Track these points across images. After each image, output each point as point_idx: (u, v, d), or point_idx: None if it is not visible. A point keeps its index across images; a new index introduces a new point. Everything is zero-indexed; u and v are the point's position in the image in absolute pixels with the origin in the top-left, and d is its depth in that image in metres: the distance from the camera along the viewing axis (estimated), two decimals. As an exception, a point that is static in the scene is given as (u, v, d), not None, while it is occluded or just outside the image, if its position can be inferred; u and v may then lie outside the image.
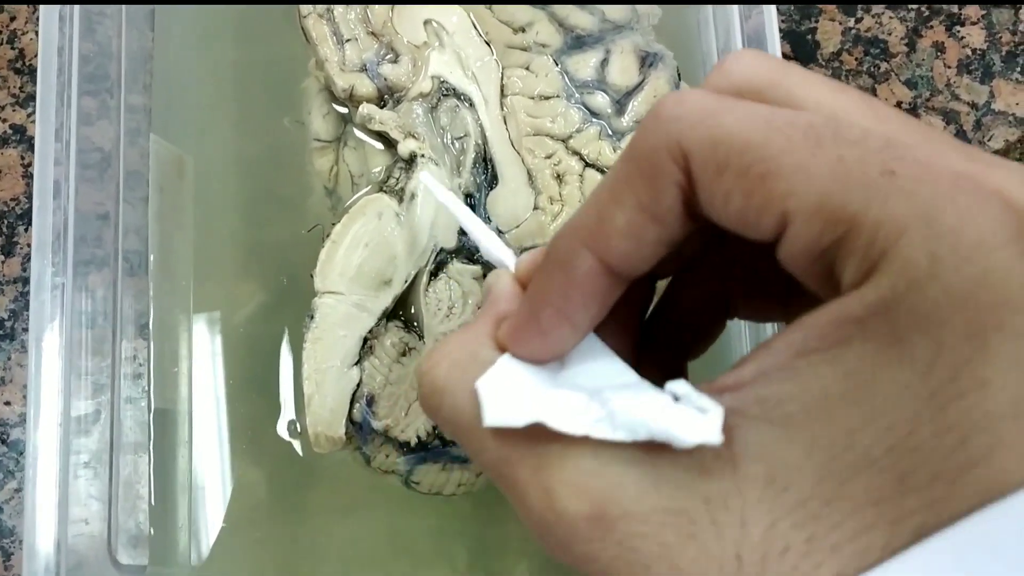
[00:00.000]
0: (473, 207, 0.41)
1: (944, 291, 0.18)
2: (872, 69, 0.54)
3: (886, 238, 0.19)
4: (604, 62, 0.42)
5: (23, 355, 0.51)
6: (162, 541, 0.44)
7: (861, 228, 0.19)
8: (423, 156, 0.40)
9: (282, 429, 0.43)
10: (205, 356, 0.45)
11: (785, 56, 0.53)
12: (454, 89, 0.42)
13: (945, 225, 0.18)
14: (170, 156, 0.47)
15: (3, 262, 0.52)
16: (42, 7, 0.42)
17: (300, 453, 0.44)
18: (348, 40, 0.42)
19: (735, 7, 0.42)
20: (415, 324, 0.40)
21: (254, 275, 0.46)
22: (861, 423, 0.19)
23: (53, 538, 0.38)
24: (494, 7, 0.43)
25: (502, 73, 0.42)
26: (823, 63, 0.54)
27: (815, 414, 0.20)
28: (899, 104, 0.53)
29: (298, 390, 0.43)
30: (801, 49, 0.54)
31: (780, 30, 0.52)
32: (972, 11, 0.55)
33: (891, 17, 0.55)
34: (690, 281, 0.29)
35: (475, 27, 0.43)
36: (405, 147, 0.40)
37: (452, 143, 0.41)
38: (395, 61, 0.42)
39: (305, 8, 0.42)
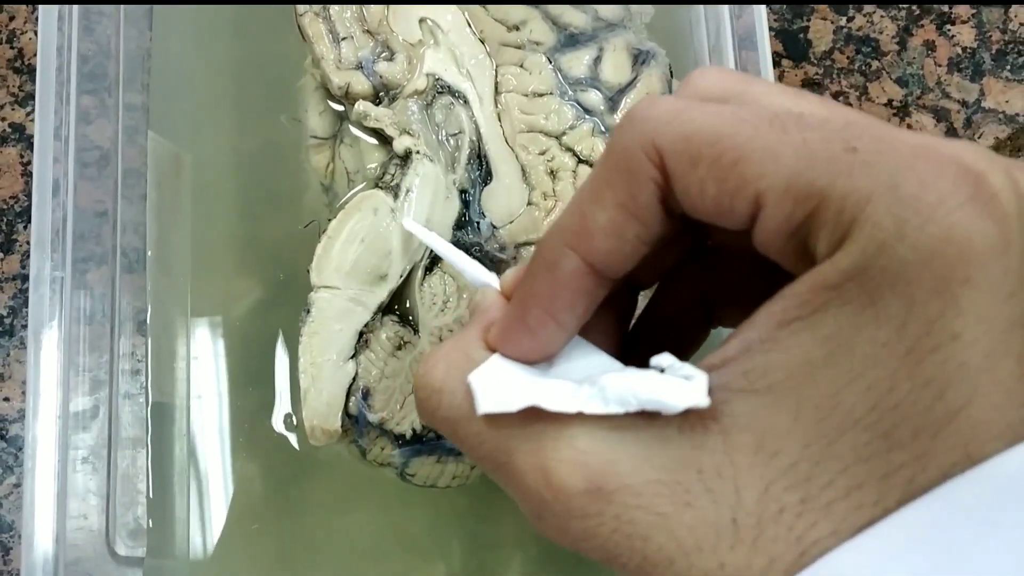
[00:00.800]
0: (467, 203, 0.41)
1: (911, 250, 0.19)
2: (863, 67, 0.55)
3: (854, 207, 0.20)
4: (597, 60, 0.43)
5: (22, 351, 0.51)
6: (160, 534, 0.44)
7: (830, 201, 0.20)
8: (418, 152, 0.40)
9: (279, 423, 0.44)
10: (203, 351, 0.46)
11: (777, 55, 0.54)
12: (449, 86, 0.42)
13: (907, 190, 0.19)
14: (168, 153, 0.47)
15: (2, 259, 0.52)
16: (41, 7, 0.43)
17: (296, 447, 0.44)
18: (344, 38, 0.42)
19: (725, 6, 0.43)
20: (410, 318, 0.41)
21: (251, 271, 0.47)
22: (843, 384, 0.20)
23: (52, 532, 0.39)
24: (488, 5, 0.43)
25: (496, 71, 0.43)
26: (815, 61, 0.55)
27: (799, 380, 0.20)
28: (890, 102, 0.54)
29: (294, 384, 0.43)
30: (793, 48, 0.55)
31: (772, 29, 0.53)
32: (963, 10, 0.55)
33: (882, 16, 0.55)
34: (672, 291, 0.30)
35: (469, 25, 0.43)
36: (400, 144, 0.40)
37: (447, 140, 0.42)
38: (390, 59, 0.42)
39: (301, 7, 0.42)
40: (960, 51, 0.55)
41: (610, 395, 0.21)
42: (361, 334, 0.40)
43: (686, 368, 0.21)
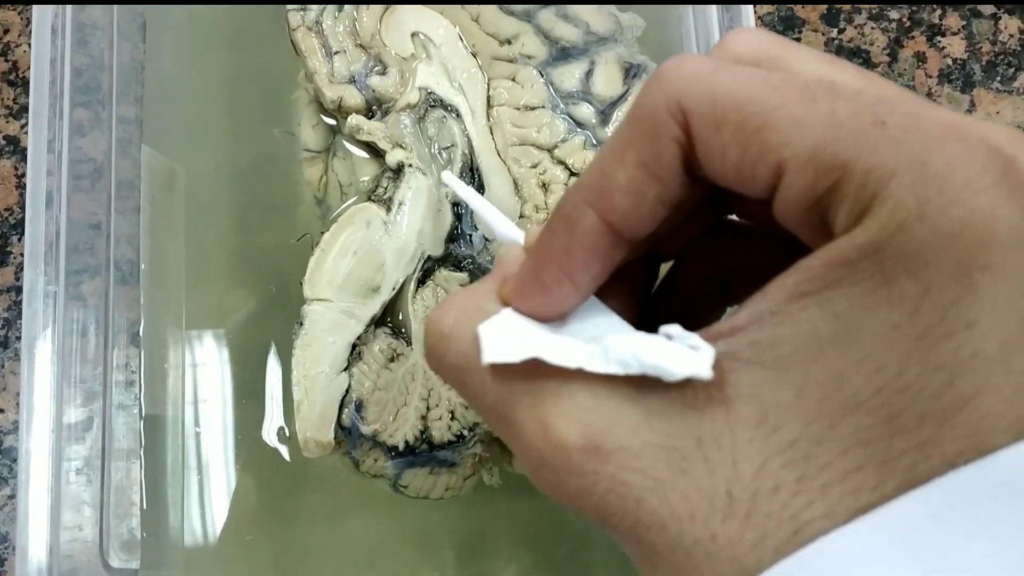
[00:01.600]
0: (460, 216, 0.41)
1: (932, 232, 0.19)
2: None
3: (876, 182, 0.19)
4: (589, 73, 0.43)
5: (16, 363, 0.51)
6: (154, 546, 0.44)
7: (852, 174, 0.20)
8: (410, 166, 0.40)
9: (271, 435, 0.44)
10: (196, 363, 0.46)
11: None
12: (441, 100, 0.42)
13: (933, 169, 0.19)
14: (161, 167, 0.47)
15: (-4, 271, 0.53)
16: (35, 19, 0.43)
17: (289, 459, 0.44)
18: (337, 52, 0.42)
19: (714, 18, 0.43)
20: (403, 331, 0.41)
21: (244, 283, 0.47)
22: (851, 364, 0.20)
23: (46, 543, 0.39)
24: (480, 19, 0.44)
25: (488, 84, 0.43)
26: (806, 73, 0.55)
27: (806, 356, 0.20)
28: (881, 113, 0.54)
29: (287, 396, 0.43)
30: (784, 59, 0.55)
31: (763, 41, 0.53)
32: (953, 21, 0.56)
33: (873, 27, 0.56)
34: (690, 265, 0.29)
35: (461, 39, 0.44)
36: (393, 157, 0.41)
37: (439, 153, 0.42)
38: (383, 73, 0.43)
39: (294, 21, 0.43)
40: (950, 62, 0.55)
41: (612, 355, 0.21)
42: (354, 346, 0.40)
43: (693, 338, 0.21)
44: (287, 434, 0.44)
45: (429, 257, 0.41)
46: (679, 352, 0.21)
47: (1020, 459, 0.18)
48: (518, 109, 0.42)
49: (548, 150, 0.42)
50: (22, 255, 0.52)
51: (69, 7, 0.43)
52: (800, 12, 0.56)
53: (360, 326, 0.40)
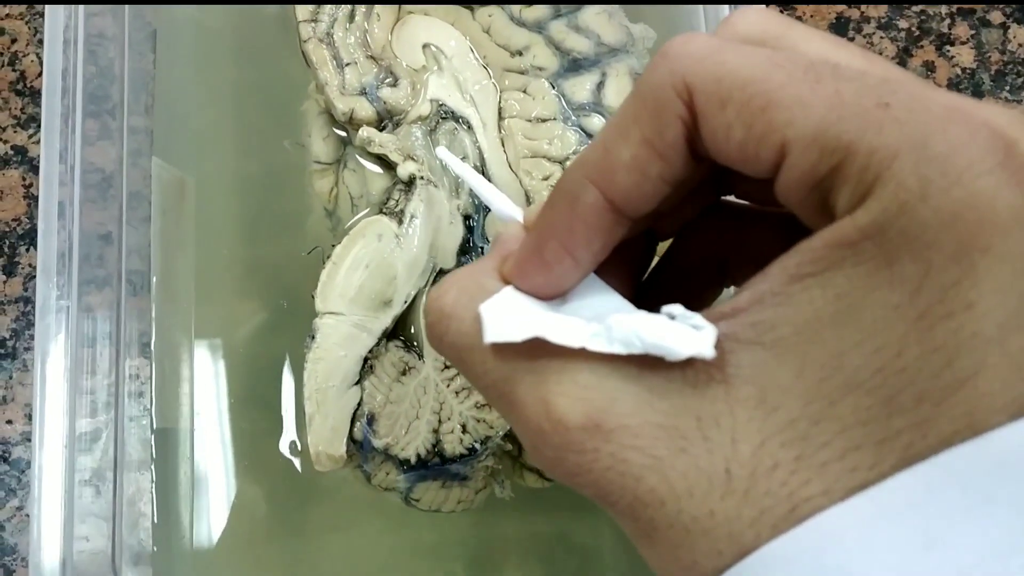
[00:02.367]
0: (471, 228, 0.41)
1: (934, 213, 0.19)
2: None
3: (879, 164, 0.19)
4: (600, 85, 0.43)
5: (25, 374, 0.51)
6: (165, 558, 0.44)
7: (856, 155, 0.20)
8: (422, 178, 0.40)
9: (283, 447, 0.44)
10: (207, 375, 0.46)
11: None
12: (452, 112, 0.42)
13: (936, 151, 0.19)
14: (172, 179, 0.47)
15: (4, 282, 0.52)
16: (47, 29, 0.43)
17: (300, 470, 0.44)
18: (348, 64, 0.42)
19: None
20: (415, 344, 0.41)
21: (255, 294, 0.47)
22: (851, 345, 0.20)
23: (58, 555, 0.39)
24: (491, 31, 0.44)
25: (500, 96, 0.43)
26: (815, 82, 0.55)
27: (806, 336, 0.20)
28: (890, 123, 0.54)
29: (299, 408, 0.43)
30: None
31: (773, 50, 0.53)
32: (962, 31, 0.56)
33: (882, 37, 0.56)
34: (689, 244, 0.29)
35: (473, 51, 0.44)
36: (404, 169, 0.41)
37: (450, 165, 0.42)
38: (394, 85, 0.42)
39: (305, 32, 0.43)
40: (960, 72, 0.55)
41: (615, 334, 0.21)
42: (366, 360, 0.40)
43: (696, 318, 0.21)
44: (299, 447, 0.44)
45: (441, 270, 0.41)
46: (682, 332, 0.21)
47: (1016, 437, 0.19)
48: (529, 121, 0.42)
49: (560, 162, 0.42)
50: (30, 266, 0.53)
51: (81, 16, 0.43)
52: (809, 21, 0.56)
53: (372, 339, 0.40)
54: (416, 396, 0.40)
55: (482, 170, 0.42)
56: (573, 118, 0.42)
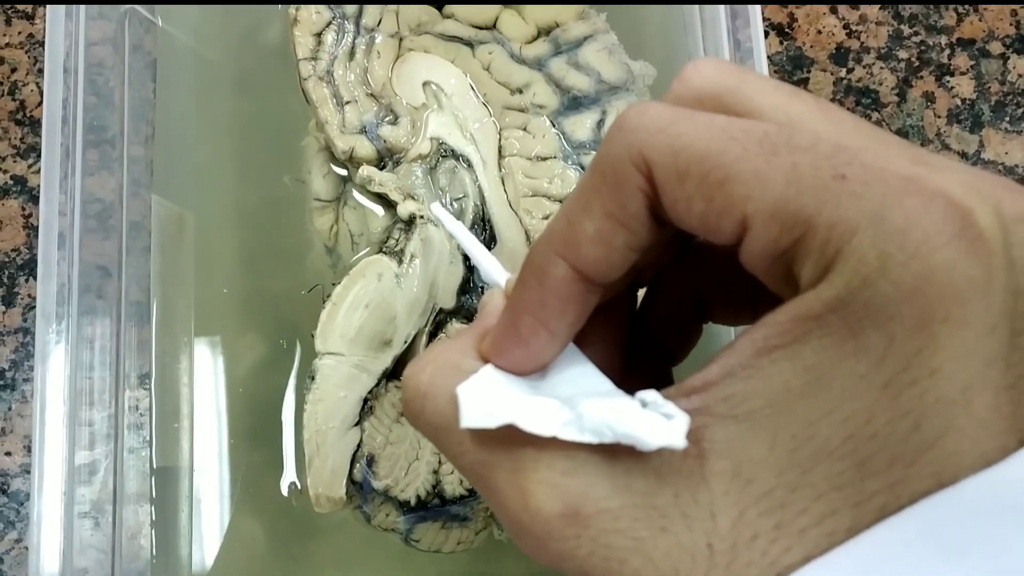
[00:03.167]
0: (472, 268, 0.41)
1: (894, 286, 0.19)
2: (863, 119, 0.55)
3: (839, 238, 0.20)
4: (600, 123, 0.43)
5: (24, 405, 0.51)
6: (163, 595, 0.44)
7: (816, 230, 0.20)
8: (422, 217, 0.40)
9: (283, 487, 0.44)
10: (206, 410, 0.46)
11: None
12: (452, 150, 0.42)
13: (893, 225, 0.19)
14: (171, 215, 0.47)
15: (4, 312, 0.52)
16: (47, 58, 0.43)
17: (298, 507, 0.44)
18: (348, 102, 0.42)
19: (727, 60, 0.43)
20: (414, 384, 0.41)
21: (255, 329, 0.47)
22: (821, 414, 0.20)
23: (58, 590, 0.39)
24: (491, 68, 0.44)
25: (500, 134, 0.43)
26: (815, 113, 0.55)
27: (777, 408, 0.21)
28: (890, 154, 0.54)
29: (299, 446, 0.43)
30: (793, 99, 0.55)
31: (772, 81, 0.53)
32: (961, 61, 0.56)
33: (882, 67, 0.56)
34: (664, 288, 0.30)
35: (473, 89, 0.44)
36: (404, 209, 0.41)
37: (451, 204, 0.42)
38: (394, 123, 0.42)
39: (305, 70, 0.43)
40: (959, 103, 0.55)
41: (586, 423, 0.21)
42: (366, 401, 0.40)
43: (668, 407, 0.21)
44: (298, 487, 0.44)
45: (441, 310, 0.41)
46: (653, 421, 0.21)
47: (984, 486, 0.19)
48: (530, 159, 0.42)
49: (560, 201, 0.42)
50: (29, 296, 0.52)
51: (81, 45, 0.43)
52: (809, 52, 0.56)
53: (372, 380, 0.40)
54: (416, 437, 0.40)
55: (482, 209, 0.42)
56: (573, 156, 0.42)
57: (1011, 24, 0.56)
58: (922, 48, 0.56)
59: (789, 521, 0.20)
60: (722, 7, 0.42)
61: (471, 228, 0.41)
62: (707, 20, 0.44)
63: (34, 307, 0.52)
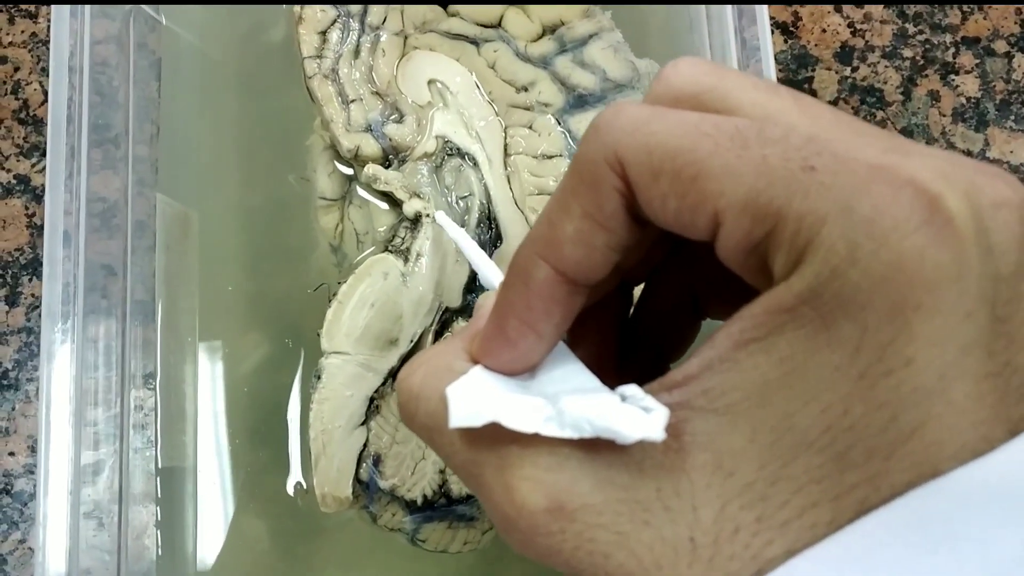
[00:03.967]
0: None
1: (864, 276, 0.19)
2: (868, 118, 0.55)
3: (809, 229, 0.20)
4: (606, 121, 0.43)
5: (27, 405, 0.51)
6: (169, 594, 0.44)
7: (786, 221, 0.20)
8: (428, 216, 0.40)
9: (289, 487, 0.44)
10: (211, 410, 0.46)
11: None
12: (458, 149, 0.42)
13: (861, 214, 0.19)
14: (176, 214, 0.47)
15: (8, 312, 0.52)
16: (52, 57, 0.43)
17: (304, 507, 0.44)
18: (353, 101, 0.42)
19: (734, 62, 0.43)
20: (421, 383, 0.41)
21: (259, 328, 0.46)
22: (798, 406, 0.20)
23: (63, 591, 0.39)
24: (496, 66, 0.43)
25: (505, 132, 0.43)
26: (820, 112, 0.55)
27: (755, 401, 0.21)
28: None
29: (304, 446, 0.43)
30: (798, 98, 0.55)
31: (778, 79, 0.53)
32: (966, 60, 0.56)
33: (887, 66, 0.56)
34: (659, 285, 0.30)
35: (478, 87, 0.44)
36: (410, 207, 0.40)
37: (456, 202, 0.42)
38: (400, 121, 0.42)
39: (310, 68, 0.43)
40: (964, 101, 0.55)
41: (567, 419, 0.22)
42: (372, 400, 0.40)
43: (648, 400, 0.22)
44: (304, 487, 0.43)
45: (447, 308, 0.41)
46: (632, 415, 0.21)
47: (972, 478, 0.19)
48: (536, 158, 0.42)
49: (566, 199, 0.42)
50: (33, 296, 0.52)
51: (86, 44, 0.43)
52: (813, 51, 0.56)
53: (378, 379, 0.40)
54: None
55: (488, 207, 0.42)
56: (579, 155, 0.42)
57: (1016, 23, 0.56)
58: (927, 47, 0.56)
59: (770, 514, 0.20)
60: (728, 6, 0.42)
61: (477, 226, 0.41)
62: (713, 18, 0.44)
63: (37, 306, 0.52)
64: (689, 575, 0.20)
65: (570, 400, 0.22)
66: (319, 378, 0.39)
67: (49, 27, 0.44)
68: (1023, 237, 0.20)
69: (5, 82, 0.55)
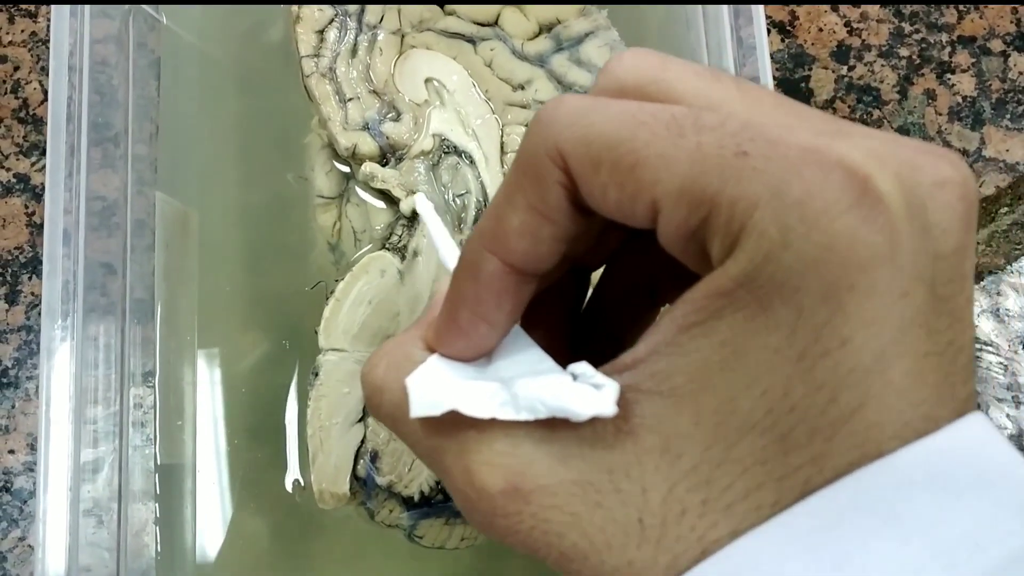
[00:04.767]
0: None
1: (797, 258, 0.19)
2: (865, 117, 0.55)
3: (742, 214, 0.20)
4: (602, 119, 0.43)
5: (27, 403, 0.51)
6: (168, 591, 0.44)
7: (720, 207, 0.20)
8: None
9: (287, 484, 0.44)
10: (210, 408, 0.46)
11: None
12: (455, 147, 0.42)
13: (792, 197, 0.19)
14: (175, 213, 0.47)
15: (7, 310, 0.52)
16: (52, 56, 0.43)
17: (302, 503, 0.44)
18: (350, 99, 0.42)
19: (730, 63, 0.43)
20: (418, 380, 0.41)
21: (258, 326, 0.47)
22: (740, 389, 0.20)
23: (63, 587, 0.39)
24: (493, 65, 0.44)
25: (502, 130, 0.43)
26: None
27: (699, 384, 0.21)
28: (891, 151, 0.54)
29: (302, 443, 0.43)
30: (794, 97, 0.55)
31: (774, 78, 0.54)
32: (963, 59, 0.56)
33: (883, 65, 0.56)
34: (616, 272, 0.30)
35: (475, 85, 0.44)
36: (407, 205, 0.41)
37: (453, 200, 0.42)
38: (397, 119, 0.43)
39: (308, 67, 0.43)
40: (960, 100, 0.55)
41: (521, 402, 0.22)
42: (369, 396, 0.40)
43: (598, 377, 0.22)
44: (302, 483, 0.44)
45: (444, 306, 0.41)
46: (583, 393, 0.22)
47: (915, 458, 0.19)
48: (532, 156, 0.42)
49: (562, 197, 0.42)
50: (33, 294, 0.53)
51: (85, 43, 0.43)
52: (810, 50, 0.56)
53: (375, 376, 0.40)
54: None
55: (484, 205, 0.42)
56: (576, 153, 0.42)
57: (1012, 22, 0.56)
58: (923, 46, 0.56)
59: (716, 497, 0.21)
60: (725, 5, 0.42)
61: (473, 224, 0.41)
62: (709, 17, 0.44)
63: (37, 305, 0.52)
64: (638, 556, 0.21)
65: (523, 383, 0.23)
66: (317, 375, 0.39)
67: (49, 26, 0.44)
68: (965, 215, 0.20)
69: (5, 81, 0.55)
